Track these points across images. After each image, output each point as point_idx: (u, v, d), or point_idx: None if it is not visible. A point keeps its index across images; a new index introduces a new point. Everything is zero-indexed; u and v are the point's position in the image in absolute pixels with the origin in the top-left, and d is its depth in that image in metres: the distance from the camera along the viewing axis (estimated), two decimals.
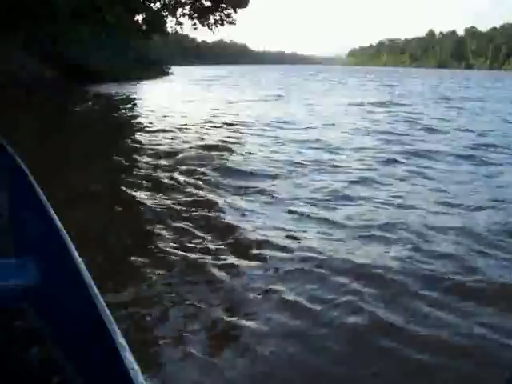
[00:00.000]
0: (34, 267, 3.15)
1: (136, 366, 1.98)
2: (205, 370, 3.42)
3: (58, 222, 3.35)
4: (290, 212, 6.71)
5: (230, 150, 11.59)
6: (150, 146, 11.76)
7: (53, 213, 3.51)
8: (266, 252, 5.33)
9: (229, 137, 13.56)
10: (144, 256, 5.18)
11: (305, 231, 6.00)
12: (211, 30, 32.62)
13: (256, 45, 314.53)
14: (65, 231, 3.19)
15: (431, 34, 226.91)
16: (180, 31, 34.17)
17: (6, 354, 2.65)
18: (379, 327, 3.98)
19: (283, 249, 5.39)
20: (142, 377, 1.94)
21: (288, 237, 5.77)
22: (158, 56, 53.67)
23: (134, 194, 7.57)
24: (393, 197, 7.66)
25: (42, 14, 24.19)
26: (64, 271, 2.89)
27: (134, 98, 26.16)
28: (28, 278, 3.06)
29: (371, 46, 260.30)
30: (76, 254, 2.87)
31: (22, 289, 3.02)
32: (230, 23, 32.31)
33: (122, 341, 2.11)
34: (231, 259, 5.11)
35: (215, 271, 4.82)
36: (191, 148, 11.65)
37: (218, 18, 31.96)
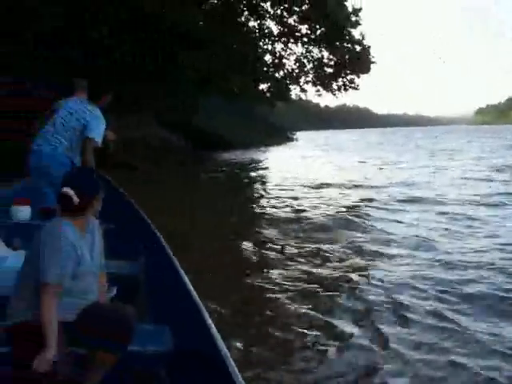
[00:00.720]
0: (169, 334, 3.29)
1: None
2: None
3: (192, 290, 3.50)
4: None
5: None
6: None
7: (187, 280, 3.68)
8: None
9: None
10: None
11: None
12: (335, 95, 33.11)
13: (379, 108, 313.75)
14: (199, 300, 3.33)
15: None
16: (304, 97, 34.87)
17: None
18: None
19: None
20: None
21: None
22: (282, 122, 54.95)
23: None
24: None
25: (174, 88, 25.69)
26: (198, 340, 3.01)
27: (263, 166, 26.76)
28: (163, 344, 3.20)
29: (500, 103, 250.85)
30: (211, 323, 2.98)
31: (157, 354, 3.16)
32: (353, 88, 32.61)
33: None
34: None
35: None
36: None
37: (340, 84, 32.35)
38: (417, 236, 9.13)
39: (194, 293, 3.46)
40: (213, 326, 3.01)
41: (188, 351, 3.08)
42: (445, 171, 21.61)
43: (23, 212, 6.17)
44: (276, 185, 17.88)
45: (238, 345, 4.64)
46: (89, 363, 3.01)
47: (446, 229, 9.80)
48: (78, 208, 2.91)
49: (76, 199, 2.86)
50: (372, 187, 16.51)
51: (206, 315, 3.12)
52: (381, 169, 23.48)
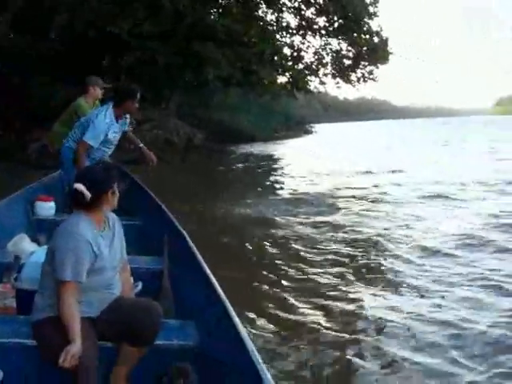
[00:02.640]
0: (194, 329, 3.34)
1: None
2: None
3: (216, 285, 3.54)
4: None
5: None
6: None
7: (211, 275, 3.72)
8: None
9: None
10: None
11: None
12: (354, 86, 32.98)
13: (399, 100, 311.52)
14: (223, 294, 3.37)
15: None
16: (323, 90, 34.74)
17: None
18: None
19: None
20: None
21: None
22: (301, 115, 54.76)
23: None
24: None
25: (195, 84, 25.77)
26: (224, 335, 3.04)
27: (278, 158, 27.02)
28: (188, 339, 3.24)
29: None
30: (236, 318, 3.01)
31: (183, 349, 3.20)
32: (372, 80, 32.47)
33: None
34: None
35: None
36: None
37: (359, 75, 32.22)
38: None
39: (219, 288, 3.49)
40: (237, 319, 3.04)
41: (213, 346, 3.11)
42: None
43: (47, 208, 6.27)
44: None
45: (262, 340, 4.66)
46: (116, 357, 3.07)
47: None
48: (92, 203, 2.93)
49: (88, 194, 2.88)
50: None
51: (231, 310, 3.15)
52: None
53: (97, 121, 5.64)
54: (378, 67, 32.11)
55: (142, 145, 6.54)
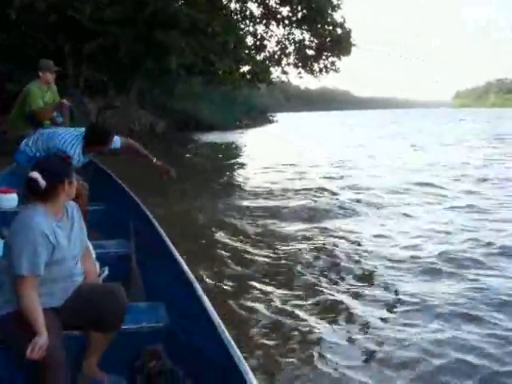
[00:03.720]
0: (164, 311, 3.37)
1: None
2: None
3: (184, 265, 3.58)
4: None
5: None
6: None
7: (179, 257, 3.75)
8: None
9: None
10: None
11: None
12: (316, 77, 33.19)
13: (359, 91, 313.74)
14: (192, 274, 3.41)
15: None
16: (286, 80, 34.85)
17: None
18: None
19: None
20: None
21: None
22: (264, 104, 54.84)
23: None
24: None
25: (157, 72, 25.63)
26: (193, 314, 3.09)
27: (238, 146, 27.26)
28: (159, 321, 3.28)
29: (477, 86, 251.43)
30: (205, 298, 3.06)
31: (153, 330, 3.23)
32: (334, 71, 32.74)
33: (254, 382, 2.21)
34: None
35: None
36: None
37: (322, 66, 32.45)
38: None
39: (187, 268, 3.53)
40: (206, 298, 3.08)
41: (183, 326, 3.16)
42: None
43: (8, 199, 6.16)
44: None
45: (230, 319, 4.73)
46: (85, 345, 3.08)
47: None
48: (48, 193, 2.85)
49: (43, 183, 2.80)
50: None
51: (200, 290, 3.19)
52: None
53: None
54: (340, 59, 32.38)
55: (154, 159, 5.52)
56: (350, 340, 4.55)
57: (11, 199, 6.14)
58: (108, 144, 5.12)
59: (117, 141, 5.33)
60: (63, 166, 2.97)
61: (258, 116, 48.78)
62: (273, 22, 30.06)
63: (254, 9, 29.70)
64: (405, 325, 4.84)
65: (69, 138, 5.08)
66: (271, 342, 4.41)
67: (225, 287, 5.75)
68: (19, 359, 2.66)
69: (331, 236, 8.00)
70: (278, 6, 29.37)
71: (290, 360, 4.12)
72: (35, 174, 2.82)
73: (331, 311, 5.18)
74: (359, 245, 7.56)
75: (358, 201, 10.72)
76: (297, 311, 5.10)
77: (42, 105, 6.79)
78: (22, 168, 6.02)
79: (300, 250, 7.25)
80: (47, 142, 5.22)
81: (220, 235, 8.03)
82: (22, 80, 7.80)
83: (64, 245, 2.87)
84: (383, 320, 4.98)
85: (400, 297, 5.52)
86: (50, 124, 6.73)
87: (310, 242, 7.69)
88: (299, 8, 28.72)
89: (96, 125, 5.84)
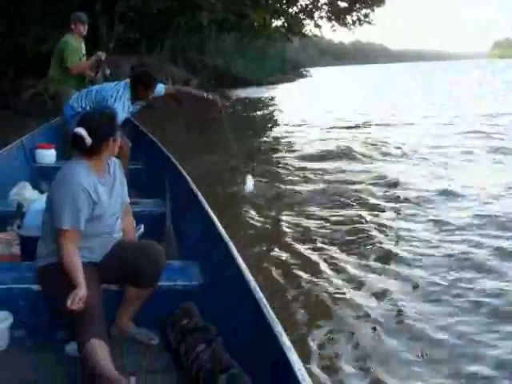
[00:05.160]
0: (198, 269, 3.38)
1: (302, 368, 2.04)
2: None
3: (219, 225, 3.58)
4: None
5: None
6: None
7: (214, 216, 3.74)
8: None
9: None
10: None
11: None
12: (350, 30, 32.55)
13: (394, 44, 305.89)
14: (226, 235, 3.40)
15: None
16: (319, 34, 34.24)
17: (177, 350, 2.90)
18: None
19: None
20: (309, 380, 1.99)
21: None
22: (296, 59, 54.22)
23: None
24: None
25: (189, 29, 25.40)
26: (227, 274, 3.09)
27: (270, 101, 27.01)
28: (192, 280, 3.30)
29: None
30: (239, 258, 3.05)
31: (187, 289, 3.26)
32: (368, 23, 32.02)
33: (287, 343, 2.18)
34: None
35: None
36: None
37: (355, 18, 31.78)
38: None
39: (222, 228, 3.52)
40: (240, 259, 3.08)
41: (217, 285, 3.16)
42: None
43: (48, 155, 6.30)
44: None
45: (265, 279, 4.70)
46: (121, 300, 3.13)
47: None
48: (93, 149, 2.87)
49: (89, 139, 2.82)
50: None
51: (234, 249, 3.19)
52: None
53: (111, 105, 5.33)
54: (373, 10, 31.66)
55: (205, 94, 5.87)
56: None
57: (50, 155, 6.34)
58: (152, 87, 5.19)
59: (160, 88, 5.46)
60: (109, 122, 2.98)
61: (290, 71, 48.29)
62: None
63: None
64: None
65: (115, 91, 5.14)
66: (306, 310, 4.32)
67: (261, 251, 5.63)
68: (59, 309, 2.71)
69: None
70: None
71: (325, 328, 4.06)
72: (81, 131, 2.84)
73: (378, 286, 4.82)
74: None
75: None
76: (339, 282, 4.88)
77: (78, 60, 6.70)
78: (61, 124, 6.15)
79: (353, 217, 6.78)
80: (96, 96, 5.29)
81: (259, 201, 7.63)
82: (55, 38, 7.69)
83: (105, 201, 2.92)
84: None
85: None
86: (96, 77, 6.73)
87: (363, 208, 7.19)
88: None
89: (139, 70, 5.93)
